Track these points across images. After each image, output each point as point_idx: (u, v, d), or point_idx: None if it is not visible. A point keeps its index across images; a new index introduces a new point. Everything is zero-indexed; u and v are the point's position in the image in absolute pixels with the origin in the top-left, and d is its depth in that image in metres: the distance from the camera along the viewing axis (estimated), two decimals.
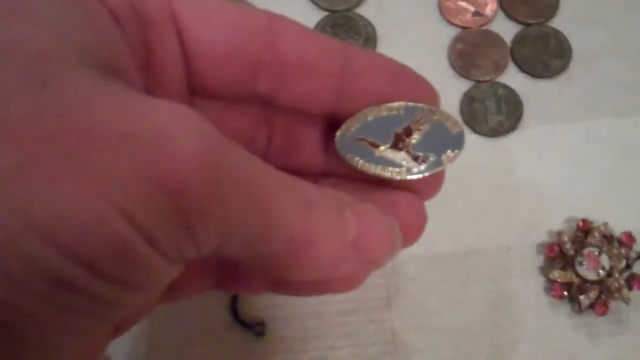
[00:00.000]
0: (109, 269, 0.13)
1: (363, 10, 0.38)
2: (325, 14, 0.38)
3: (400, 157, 0.21)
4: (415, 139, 0.21)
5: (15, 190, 0.12)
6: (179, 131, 0.14)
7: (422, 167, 0.21)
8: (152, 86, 0.18)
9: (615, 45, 0.37)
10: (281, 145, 0.22)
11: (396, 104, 0.21)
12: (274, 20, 0.20)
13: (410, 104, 0.21)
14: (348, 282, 0.22)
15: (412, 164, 0.21)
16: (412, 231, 0.21)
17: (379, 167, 0.21)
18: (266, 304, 0.33)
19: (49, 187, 0.12)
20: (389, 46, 0.37)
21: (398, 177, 0.21)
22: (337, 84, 0.20)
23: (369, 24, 0.37)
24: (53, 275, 0.13)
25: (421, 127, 0.21)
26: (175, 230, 0.14)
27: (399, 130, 0.21)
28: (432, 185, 0.22)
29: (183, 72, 0.19)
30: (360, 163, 0.21)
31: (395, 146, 0.21)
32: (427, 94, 0.22)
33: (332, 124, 0.22)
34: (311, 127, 0.22)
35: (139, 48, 0.18)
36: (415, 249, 0.34)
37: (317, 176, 0.23)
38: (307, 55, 0.20)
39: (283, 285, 0.22)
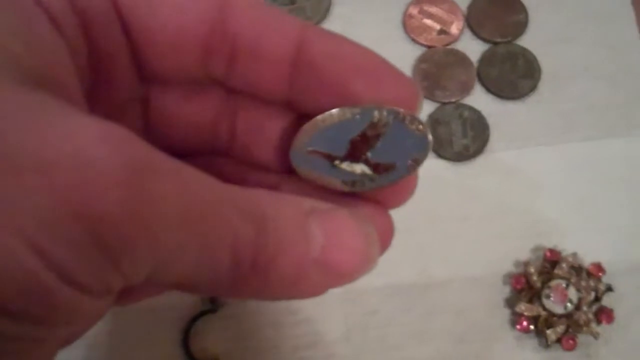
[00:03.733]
0: (18, 308, 0.12)
1: (325, 27, 0.36)
2: None
3: (359, 167, 0.19)
4: (374, 145, 0.19)
5: None
6: (101, 157, 0.13)
7: (383, 176, 0.19)
8: (100, 81, 0.18)
9: (585, 65, 0.35)
10: (245, 139, 0.21)
11: (348, 108, 0.18)
12: None
13: (366, 106, 0.18)
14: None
15: (372, 173, 0.19)
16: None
17: (337, 179, 0.19)
18: (220, 338, 0.32)
19: None
20: None
21: (356, 189, 0.19)
22: (288, 71, 0.19)
23: None
24: None
25: (380, 132, 0.19)
26: (95, 263, 0.13)
27: (355, 137, 0.19)
28: (398, 193, 0.20)
29: (131, 62, 0.18)
30: (317, 176, 0.19)
31: (352, 155, 0.19)
32: (404, 91, 0.19)
33: (301, 118, 0.20)
34: (277, 121, 0.21)
35: (80, 45, 0.17)
36: (376, 279, 0.33)
37: (285, 173, 0.21)
38: (258, 38, 0.18)
39: None
